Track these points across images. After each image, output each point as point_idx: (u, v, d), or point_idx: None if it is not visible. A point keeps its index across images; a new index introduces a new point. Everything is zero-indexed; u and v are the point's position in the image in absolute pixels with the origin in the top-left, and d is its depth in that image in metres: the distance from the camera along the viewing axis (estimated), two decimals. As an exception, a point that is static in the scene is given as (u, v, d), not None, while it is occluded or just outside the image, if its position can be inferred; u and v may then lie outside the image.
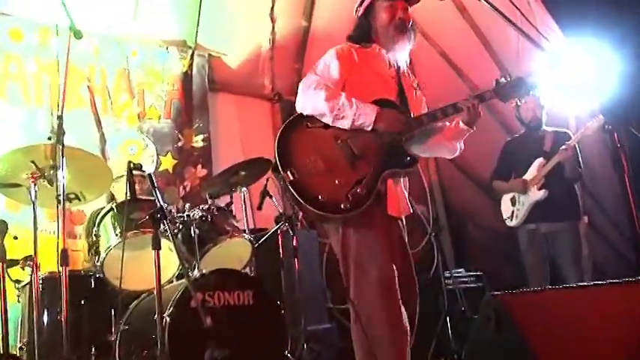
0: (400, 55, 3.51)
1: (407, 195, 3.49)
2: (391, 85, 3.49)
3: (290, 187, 3.18)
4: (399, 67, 3.55)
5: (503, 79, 3.44)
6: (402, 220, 3.45)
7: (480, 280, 6.49)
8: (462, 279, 6.41)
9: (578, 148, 5.54)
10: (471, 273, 6.54)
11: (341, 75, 3.37)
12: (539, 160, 5.57)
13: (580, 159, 5.58)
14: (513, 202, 5.70)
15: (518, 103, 3.54)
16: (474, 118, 3.39)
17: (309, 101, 3.32)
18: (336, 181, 3.19)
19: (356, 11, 3.62)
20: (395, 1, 3.49)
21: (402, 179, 3.46)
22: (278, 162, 3.24)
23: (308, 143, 3.30)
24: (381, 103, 3.34)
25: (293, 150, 3.29)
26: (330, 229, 3.37)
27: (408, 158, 3.36)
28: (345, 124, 3.27)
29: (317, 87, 3.31)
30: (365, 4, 3.55)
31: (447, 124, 3.51)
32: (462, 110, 3.36)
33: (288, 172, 3.19)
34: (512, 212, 5.70)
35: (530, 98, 5.61)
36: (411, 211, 3.48)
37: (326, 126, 3.32)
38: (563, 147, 5.39)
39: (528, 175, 5.59)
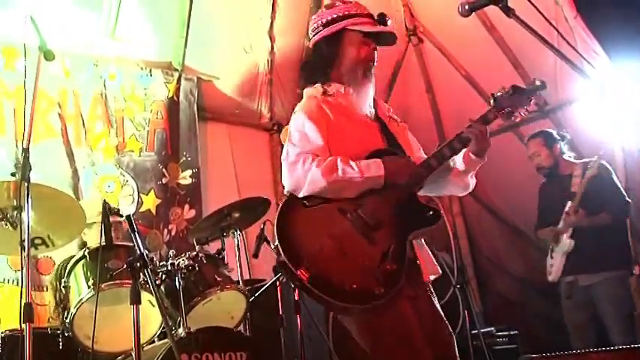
0: (365, 100, 3.48)
1: (430, 253, 3.45)
2: (371, 125, 3.48)
3: (310, 286, 3.04)
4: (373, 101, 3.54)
5: (498, 93, 3.44)
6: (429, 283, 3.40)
7: (514, 340, 6.43)
8: (493, 339, 6.35)
9: (613, 174, 5.57)
10: (503, 332, 6.48)
11: (323, 138, 3.29)
12: (568, 205, 5.60)
13: (621, 188, 5.61)
14: (551, 254, 5.74)
15: (523, 115, 3.53)
16: (484, 146, 3.37)
17: (303, 181, 3.21)
18: (359, 264, 3.09)
19: (313, 32, 3.57)
20: (369, 38, 3.45)
21: (423, 239, 3.41)
22: (287, 261, 3.09)
23: (313, 227, 3.20)
24: (376, 155, 3.31)
25: (298, 240, 3.17)
26: (350, 321, 3.27)
27: (430, 213, 3.29)
28: (352, 193, 3.22)
29: (305, 162, 3.21)
30: (334, 28, 3.46)
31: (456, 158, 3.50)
32: (470, 140, 3.35)
33: (303, 270, 3.05)
34: (551, 265, 5.72)
35: (530, 144, 5.74)
36: (440, 271, 3.42)
37: (326, 200, 3.24)
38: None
39: (561, 222, 5.62)
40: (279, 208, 3.28)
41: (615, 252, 5.57)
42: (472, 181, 3.56)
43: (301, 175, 3.21)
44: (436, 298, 3.38)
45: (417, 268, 3.25)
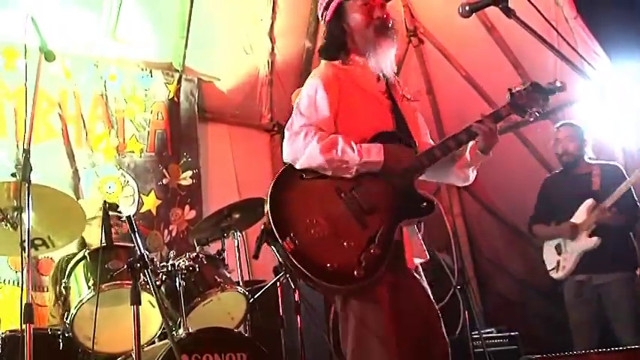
0: (385, 60, 3.44)
1: (421, 238, 3.42)
2: (384, 103, 3.45)
3: (292, 257, 3.04)
4: (387, 79, 3.51)
5: (517, 89, 3.42)
6: (417, 266, 3.36)
7: (514, 341, 6.41)
8: (493, 340, 6.34)
9: (632, 188, 5.53)
10: (504, 333, 6.46)
11: (331, 108, 3.29)
12: (589, 202, 5.54)
13: (637, 200, 5.57)
14: (559, 250, 5.65)
15: (537, 115, 3.50)
16: (491, 142, 3.35)
17: (301, 153, 3.21)
18: (345, 244, 3.08)
19: (322, 17, 3.56)
20: None
21: (416, 225, 3.38)
22: (274, 229, 3.09)
23: (306, 200, 3.20)
24: (380, 137, 3.30)
25: (289, 211, 3.17)
26: (338, 300, 3.25)
27: (425, 204, 3.27)
28: (348, 173, 3.20)
29: (307, 135, 3.21)
30: (333, 6, 3.46)
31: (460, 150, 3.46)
32: (478, 135, 3.33)
33: (288, 240, 3.05)
34: (558, 262, 5.66)
35: (565, 129, 5.69)
36: (427, 256, 3.40)
37: (324, 175, 3.23)
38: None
39: (578, 219, 5.56)
40: (275, 176, 3.29)
41: (627, 252, 5.56)
42: (472, 175, 3.54)
43: (301, 147, 3.21)
44: (425, 282, 3.34)
45: (401, 253, 3.21)
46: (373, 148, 3.21)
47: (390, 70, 3.48)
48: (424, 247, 3.40)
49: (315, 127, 3.23)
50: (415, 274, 3.32)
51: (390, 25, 3.45)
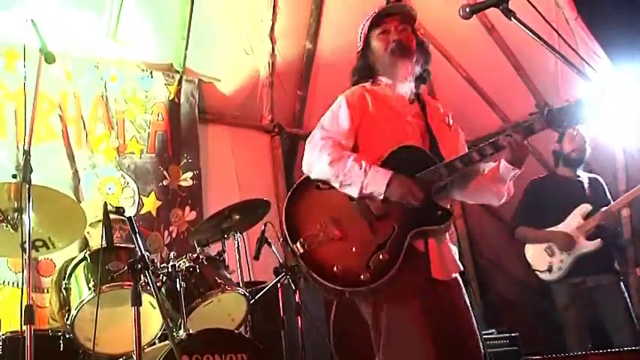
0: (404, 81, 3.47)
1: (455, 250, 3.39)
2: (414, 124, 3.44)
3: (301, 260, 3.16)
4: (423, 102, 3.52)
5: (558, 105, 3.33)
6: (455, 278, 3.32)
7: (515, 342, 6.41)
8: (494, 341, 6.33)
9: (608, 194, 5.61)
10: (504, 334, 6.45)
11: (352, 123, 3.35)
12: (585, 207, 5.56)
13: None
14: (551, 251, 5.64)
15: (570, 130, 3.44)
16: (521, 155, 3.31)
17: (314, 164, 3.31)
18: (354, 248, 3.14)
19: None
20: (386, 23, 3.51)
21: (447, 235, 3.36)
22: (286, 233, 3.22)
23: (319, 206, 3.30)
24: (402, 150, 3.29)
25: (302, 216, 3.28)
26: (359, 300, 3.27)
27: (439, 212, 3.24)
28: (352, 191, 3.22)
29: (323, 147, 3.29)
30: (362, 38, 3.60)
31: (490, 164, 3.42)
32: (504, 148, 3.29)
33: (298, 244, 3.18)
34: (551, 264, 5.63)
35: (577, 129, 5.68)
36: (462, 268, 3.37)
37: None
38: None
39: (572, 223, 5.56)
40: (294, 185, 3.41)
41: (617, 254, 5.58)
42: (505, 191, 3.44)
43: (315, 158, 3.31)
44: (462, 292, 3.32)
45: (427, 263, 3.18)
46: (380, 173, 3.20)
47: (411, 90, 3.50)
48: (457, 260, 3.37)
49: (333, 140, 3.31)
50: (450, 285, 3.27)
51: (407, 45, 3.50)
